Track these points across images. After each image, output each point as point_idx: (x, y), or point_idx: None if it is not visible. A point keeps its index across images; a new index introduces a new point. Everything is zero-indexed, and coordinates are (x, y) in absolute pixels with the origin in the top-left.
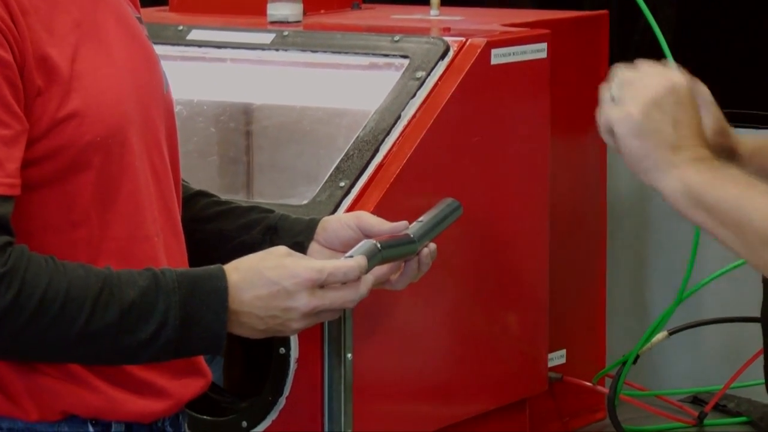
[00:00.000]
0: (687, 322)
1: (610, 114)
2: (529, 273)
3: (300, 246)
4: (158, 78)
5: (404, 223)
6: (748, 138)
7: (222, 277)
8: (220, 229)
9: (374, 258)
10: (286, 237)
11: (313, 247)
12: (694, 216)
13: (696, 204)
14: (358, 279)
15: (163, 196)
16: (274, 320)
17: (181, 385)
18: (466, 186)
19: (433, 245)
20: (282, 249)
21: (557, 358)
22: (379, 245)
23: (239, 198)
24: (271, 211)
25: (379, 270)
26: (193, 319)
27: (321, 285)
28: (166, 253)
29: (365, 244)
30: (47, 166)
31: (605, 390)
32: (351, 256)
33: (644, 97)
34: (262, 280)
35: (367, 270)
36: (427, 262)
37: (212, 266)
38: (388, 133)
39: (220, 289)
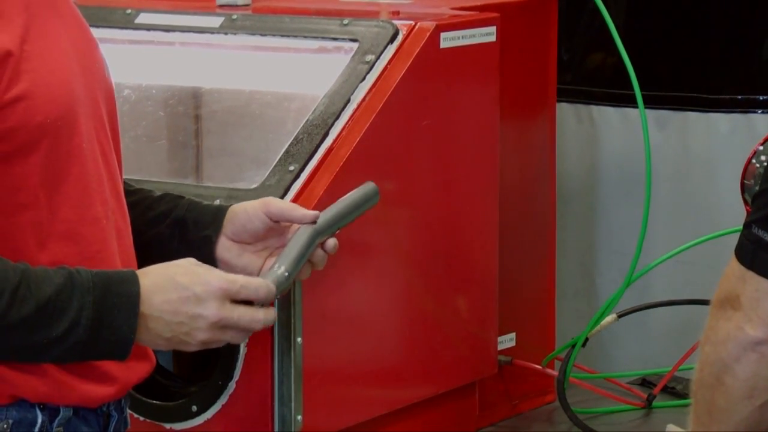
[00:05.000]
0: (636, 305)
1: None
2: (478, 256)
3: (208, 240)
4: (100, 60)
5: (315, 213)
6: None
7: (135, 281)
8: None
9: (282, 286)
10: (194, 231)
11: (223, 243)
12: None
13: None
14: (266, 300)
15: (112, 177)
16: (180, 327)
17: (128, 369)
18: (415, 169)
19: (334, 240)
20: (192, 260)
21: (507, 341)
22: (286, 273)
23: (189, 183)
24: (181, 198)
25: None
26: (104, 321)
27: (231, 298)
28: (117, 235)
29: (275, 273)
30: None
31: (555, 373)
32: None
33: None
34: (173, 285)
35: (276, 297)
36: (332, 253)
37: (125, 270)
38: (337, 117)
39: (132, 293)
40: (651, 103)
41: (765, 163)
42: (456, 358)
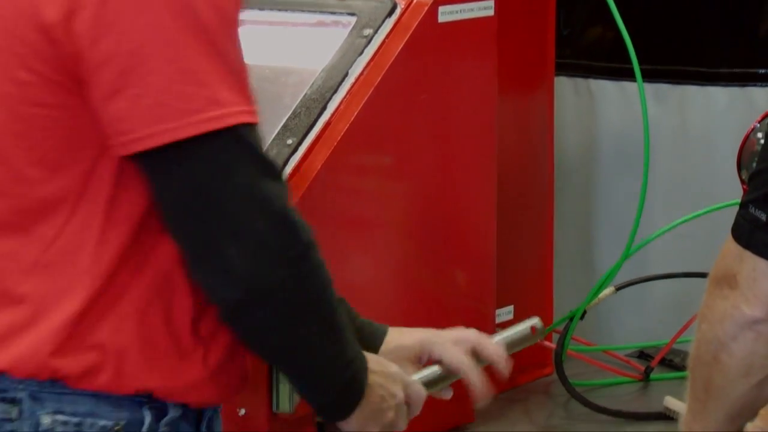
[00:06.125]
0: (634, 278)
1: None
2: (476, 229)
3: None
4: None
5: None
6: None
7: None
8: None
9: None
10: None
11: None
12: None
13: None
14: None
15: None
16: (382, 403)
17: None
18: (413, 143)
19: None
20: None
21: (505, 314)
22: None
23: None
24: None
25: None
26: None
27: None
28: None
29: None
30: None
31: (553, 345)
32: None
33: None
34: (381, 361)
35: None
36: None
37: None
38: (335, 91)
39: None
40: (649, 76)
41: (762, 141)
42: None
